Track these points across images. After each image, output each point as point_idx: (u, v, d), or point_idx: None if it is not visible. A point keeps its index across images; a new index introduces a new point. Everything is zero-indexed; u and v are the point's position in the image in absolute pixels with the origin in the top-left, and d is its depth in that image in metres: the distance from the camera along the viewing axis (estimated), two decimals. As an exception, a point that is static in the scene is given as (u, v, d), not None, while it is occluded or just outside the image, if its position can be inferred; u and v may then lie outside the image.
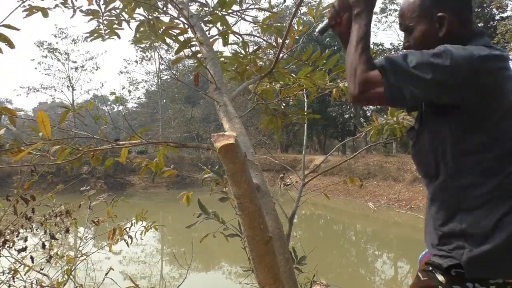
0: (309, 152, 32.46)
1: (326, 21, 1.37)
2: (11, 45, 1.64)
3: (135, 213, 3.20)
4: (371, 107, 27.47)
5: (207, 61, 1.95)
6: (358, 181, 2.59)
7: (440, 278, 1.13)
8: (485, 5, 19.38)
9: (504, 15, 19.13)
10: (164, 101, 38.35)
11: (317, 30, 1.41)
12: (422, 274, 1.19)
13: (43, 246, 3.16)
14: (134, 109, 45.01)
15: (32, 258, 3.09)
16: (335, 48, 28.43)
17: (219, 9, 2.14)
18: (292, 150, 33.52)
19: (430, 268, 1.17)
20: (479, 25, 19.97)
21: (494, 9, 19.05)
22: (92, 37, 2.23)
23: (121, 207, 3.41)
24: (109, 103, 59.16)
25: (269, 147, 30.79)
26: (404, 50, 1.29)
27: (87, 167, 24.88)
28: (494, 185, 1.08)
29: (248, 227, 1.29)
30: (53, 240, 3.28)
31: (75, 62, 31.49)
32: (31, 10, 1.90)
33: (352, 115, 27.70)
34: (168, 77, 41.15)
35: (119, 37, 2.26)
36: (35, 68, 37.32)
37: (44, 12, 1.96)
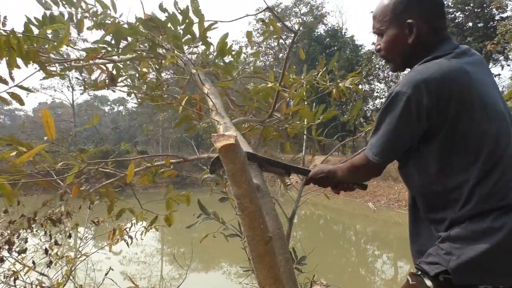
0: (309, 152, 32.44)
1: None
2: (21, 102, 1.64)
3: (135, 213, 3.19)
4: (370, 106, 27.50)
5: (209, 96, 1.95)
6: None
7: (429, 283, 1.13)
8: (485, 5, 19.38)
9: (504, 15, 19.13)
10: (164, 101, 38.28)
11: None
12: (412, 278, 1.19)
13: (46, 251, 3.16)
14: (134, 109, 44.99)
15: (33, 262, 3.09)
16: (335, 48, 28.45)
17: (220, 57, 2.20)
18: (292, 150, 33.48)
19: (419, 272, 1.17)
20: (479, 25, 19.98)
21: (494, 9, 19.05)
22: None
23: (121, 207, 3.40)
24: (109, 103, 59.21)
25: (268, 147, 30.77)
26: (377, 52, 1.35)
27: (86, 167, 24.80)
28: (483, 195, 1.08)
29: (248, 227, 1.29)
30: (53, 242, 3.28)
31: (75, 62, 31.43)
32: (48, 74, 1.91)
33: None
34: (168, 77, 41.13)
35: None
36: (35, 68, 37.21)
37: (62, 76, 1.98)
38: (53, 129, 1.39)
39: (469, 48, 1.23)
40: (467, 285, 1.07)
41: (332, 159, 18.65)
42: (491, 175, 1.08)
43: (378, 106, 26.68)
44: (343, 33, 29.82)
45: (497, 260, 1.04)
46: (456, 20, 20.92)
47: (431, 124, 1.11)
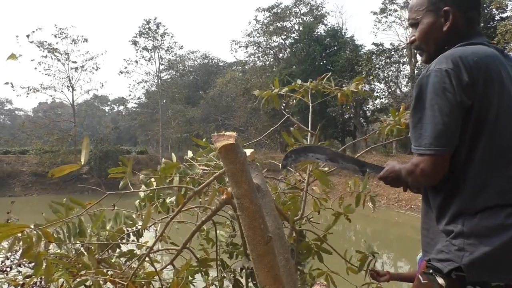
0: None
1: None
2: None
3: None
4: (370, 106, 27.48)
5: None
6: (360, 182, 2.52)
7: (441, 281, 1.13)
8: (485, 5, 19.37)
9: (504, 15, 19.11)
10: (164, 101, 38.32)
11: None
12: (423, 277, 1.19)
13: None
14: (134, 109, 44.97)
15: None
16: (335, 48, 28.43)
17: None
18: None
19: (431, 271, 1.17)
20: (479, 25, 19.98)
21: (494, 9, 19.05)
22: None
23: (123, 207, 3.40)
24: (109, 103, 59.14)
25: (269, 147, 30.77)
26: (410, 44, 1.35)
27: (87, 167, 24.87)
28: (498, 189, 1.07)
29: (248, 227, 1.29)
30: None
31: (75, 62, 31.36)
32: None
33: (352, 115, 27.71)
34: (168, 77, 41.13)
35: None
36: (35, 68, 37.23)
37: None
38: (87, 155, 1.41)
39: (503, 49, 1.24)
40: (479, 282, 1.07)
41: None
42: (510, 171, 1.08)
43: (378, 106, 26.64)
44: (343, 33, 29.81)
45: (510, 257, 1.04)
46: (456, 20, 20.90)
47: (469, 104, 1.08)
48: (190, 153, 2.05)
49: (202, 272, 2.02)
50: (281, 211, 2.00)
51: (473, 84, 1.07)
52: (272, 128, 2.72)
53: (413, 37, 1.32)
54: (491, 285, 1.07)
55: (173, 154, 2.08)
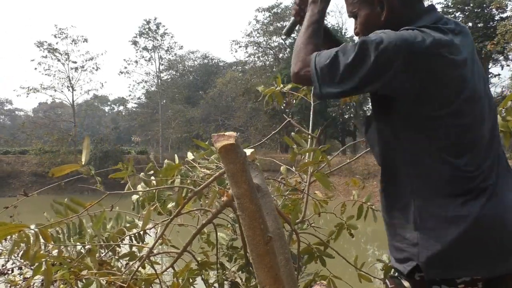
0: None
1: (291, 20, 1.41)
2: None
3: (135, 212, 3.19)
4: (371, 106, 27.52)
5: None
6: (360, 182, 2.57)
7: (406, 284, 1.07)
8: (485, 5, 19.39)
9: (504, 15, 19.14)
10: (164, 101, 38.33)
11: (283, 32, 1.49)
12: (390, 281, 1.13)
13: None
14: (134, 109, 44.99)
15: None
16: (335, 48, 28.42)
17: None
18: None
19: (397, 274, 1.12)
20: (479, 25, 19.99)
21: (494, 9, 19.06)
22: None
23: (123, 207, 3.40)
24: (109, 103, 59.17)
25: (269, 148, 30.79)
26: (356, 36, 1.26)
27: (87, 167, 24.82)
28: (450, 178, 1.01)
29: (248, 227, 1.29)
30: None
31: (75, 62, 31.41)
32: None
33: (352, 115, 27.72)
34: (168, 77, 41.15)
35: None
36: (35, 69, 37.01)
37: None
38: (88, 155, 1.43)
39: (457, 23, 1.13)
40: (443, 280, 1.01)
41: (333, 159, 18.60)
42: (460, 158, 1.02)
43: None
44: (343, 33, 29.82)
45: (467, 250, 0.99)
46: (456, 20, 20.93)
47: (399, 89, 1.02)
48: (190, 155, 2.04)
49: (203, 275, 2.02)
50: (282, 214, 1.99)
51: (408, 70, 1.00)
52: (273, 132, 2.72)
53: (357, 30, 1.24)
54: (456, 282, 1.00)
55: (176, 155, 2.07)
